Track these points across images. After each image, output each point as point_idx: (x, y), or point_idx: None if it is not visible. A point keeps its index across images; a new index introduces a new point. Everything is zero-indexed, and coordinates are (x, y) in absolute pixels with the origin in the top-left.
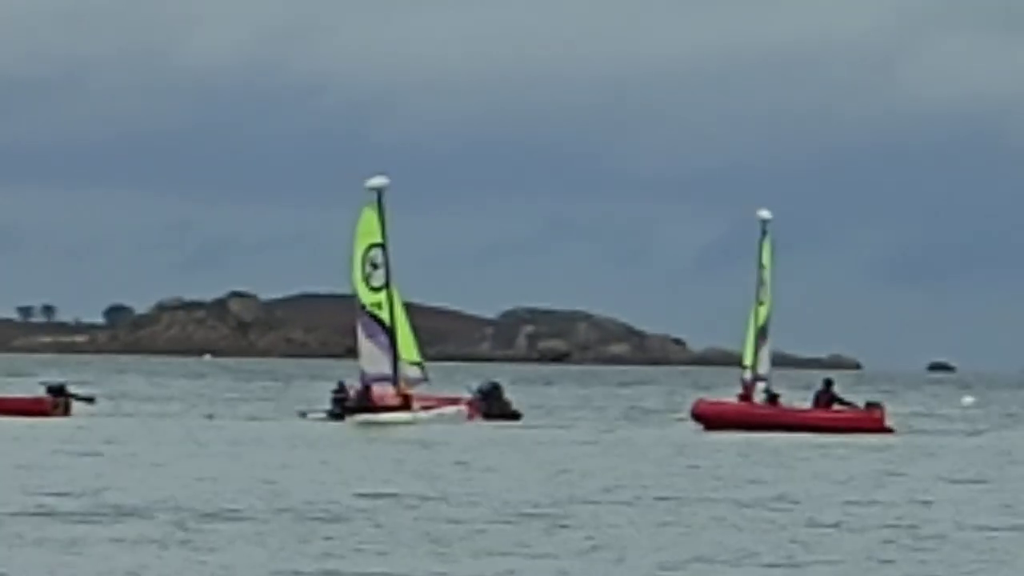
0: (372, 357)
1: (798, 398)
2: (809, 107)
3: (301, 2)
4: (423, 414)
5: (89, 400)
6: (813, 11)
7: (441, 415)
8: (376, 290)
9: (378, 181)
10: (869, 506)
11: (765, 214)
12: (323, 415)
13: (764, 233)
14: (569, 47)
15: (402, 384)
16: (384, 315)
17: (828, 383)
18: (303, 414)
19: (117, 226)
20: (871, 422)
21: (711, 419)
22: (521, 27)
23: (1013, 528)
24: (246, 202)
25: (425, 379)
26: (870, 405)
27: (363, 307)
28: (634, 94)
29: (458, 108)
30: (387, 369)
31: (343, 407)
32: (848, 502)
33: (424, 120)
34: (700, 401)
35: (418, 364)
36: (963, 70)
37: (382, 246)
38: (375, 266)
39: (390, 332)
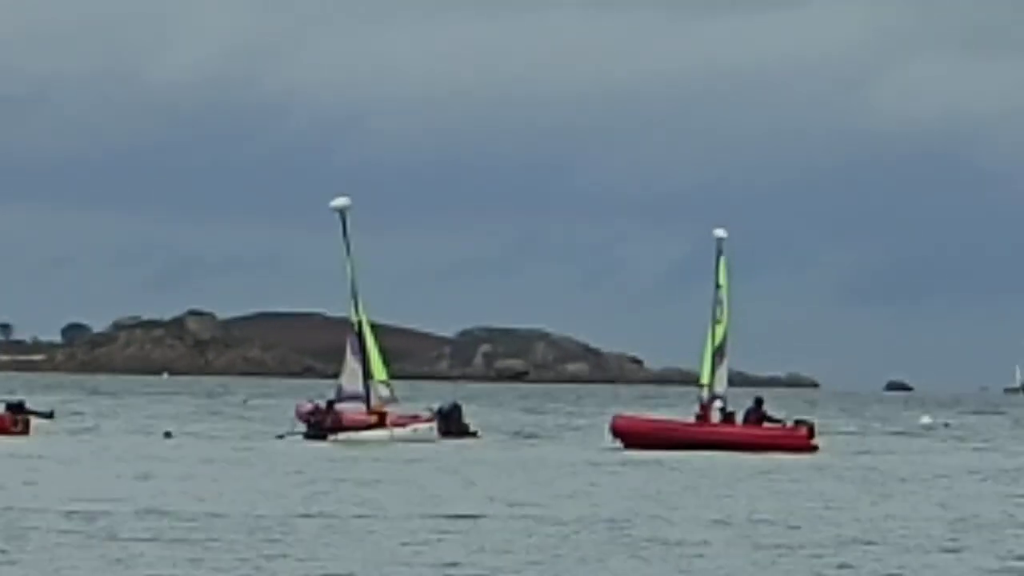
0: (354, 375)
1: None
2: (777, 127)
3: (268, 21)
4: (398, 431)
5: (48, 416)
6: (783, 31)
7: (415, 432)
8: (354, 308)
9: (341, 202)
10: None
11: (720, 233)
12: (299, 436)
13: (720, 252)
14: (536, 66)
15: (377, 402)
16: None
17: (758, 401)
18: (280, 436)
19: (77, 244)
20: (795, 440)
21: (629, 436)
22: (488, 46)
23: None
24: (210, 221)
25: (394, 399)
26: (798, 423)
27: (352, 325)
28: (602, 113)
29: (423, 127)
30: (360, 388)
31: (320, 427)
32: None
33: (389, 139)
34: (618, 417)
35: (386, 383)
36: (932, 90)
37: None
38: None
39: (363, 351)
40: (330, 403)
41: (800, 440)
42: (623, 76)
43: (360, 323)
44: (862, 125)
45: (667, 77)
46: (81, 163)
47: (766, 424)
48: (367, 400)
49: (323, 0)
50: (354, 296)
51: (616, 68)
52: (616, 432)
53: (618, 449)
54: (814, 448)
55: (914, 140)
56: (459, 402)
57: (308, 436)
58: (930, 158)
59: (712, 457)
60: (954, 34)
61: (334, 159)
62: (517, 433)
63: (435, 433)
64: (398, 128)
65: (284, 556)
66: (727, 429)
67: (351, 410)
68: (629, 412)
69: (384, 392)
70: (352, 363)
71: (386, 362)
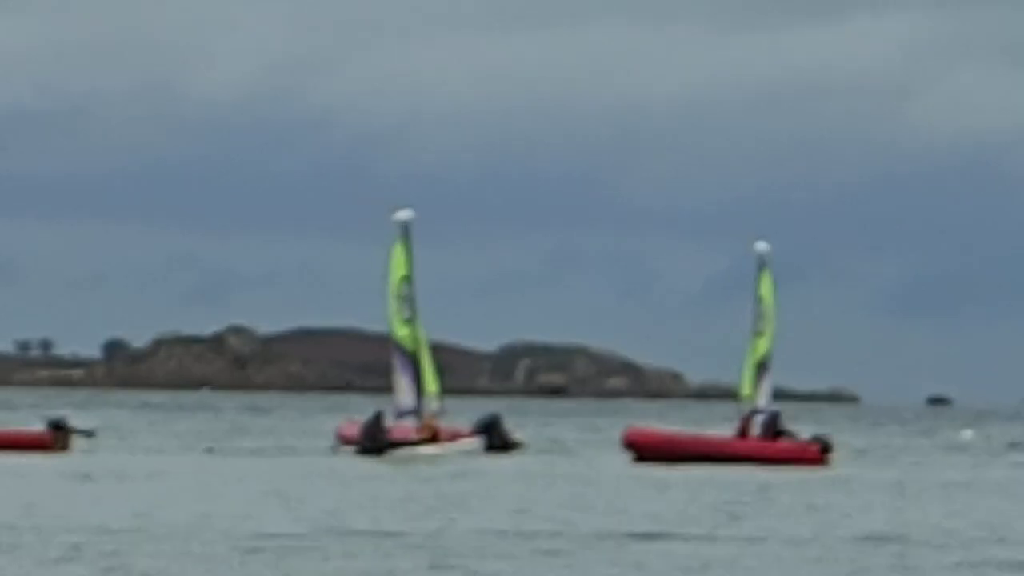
0: (402, 390)
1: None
2: (815, 140)
3: (311, 34)
4: (449, 446)
5: (89, 434)
6: (821, 44)
7: (463, 448)
8: (406, 323)
9: (405, 214)
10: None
11: (763, 247)
12: (353, 450)
13: (762, 266)
14: (574, 80)
15: (428, 417)
16: (412, 348)
17: (774, 415)
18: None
19: (117, 260)
20: (807, 455)
21: (641, 448)
22: (528, 60)
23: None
24: (248, 236)
25: (443, 412)
26: (816, 439)
27: (395, 341)
28: (642, 126)
29: (463, 141)
30: (412, 403)
31: (376, 442)
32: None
33: (430, 153)
34: (631, 429)
35: (438, 398)
36: (971, 103)
37: (408, 279)
38: (403, 299)
39: (416, 365)
40: (378, 417)
41: (812, 455)
42: (661, 90)
43: (415, 338)
44: (901, 138)
45: (706, 90)
46: (120, 178)
47: (783, 439)
48: (419, 414)
49: (364, 14)
50: (412, 310)
51: (654, 82)
52: (628, 445)
53: (625, 463)
54: (826, 463)
55: (954, 152)
56: (498, 413)
57: (362, 452)
58: (969, 170)
59: (714, 472)
60: (994, 46)
61: (374, 173)
62: (554, 443)
63: (482, 449)
64: (438, 142)
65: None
66: (739, 444)
67: (403, 426)
68: (643, 424)
69: (434, 407)
70: (398, 379)
71: (438, 376)
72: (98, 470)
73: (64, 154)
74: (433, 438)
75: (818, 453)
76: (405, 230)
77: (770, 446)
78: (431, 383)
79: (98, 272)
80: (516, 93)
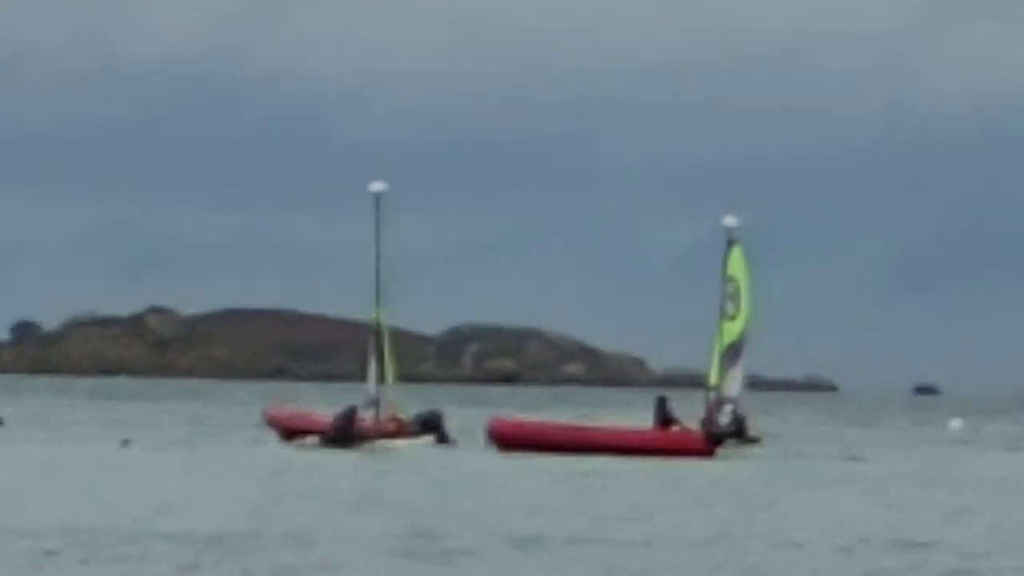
0: (368, 378)
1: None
2: (807, 105)
3: None
4: (407, 442)
5: None
6: (817, 3)
7: (414, 444)
8: (376, 305)
9: (379, 186)
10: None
11: (731, 221)
12: (316, 441)
13: (731, 242)
14: (548, 37)
15: (391, 409)
16: (377, 332)
17: (662, 400)
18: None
19: (35, 231)
20: (688, 444)
21: (505, 439)
22: (496, 17)
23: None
24: (177, 207)
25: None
26: (704, 427)
27: (372, 324)
28: (613, 89)
29: (423, 104)
30: (372, 392)
31: (344, 434)
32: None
33: (386, 117)
34: (494, 419)
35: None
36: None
37: (378, 257)
38: (376, 279)
39: (379, 351)
40: (353, 410)
41: (694, 444)
42: (648, 49)
43: (379, 322)
44: (895, 102)
45: (686, 50)
46: (45, 141)
47: (675, 427)
48: (378, 405)
49: None
50: (377, 292)
51: (640, 41)
52: (491, 435)
53: (487, 454)
54: (710, 453)
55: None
56: (437, 409)
57: (329, 443)
58: (967, 137)
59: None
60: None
61: (323, 139)
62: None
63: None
64: (394, 105)
65: None
66: (610, 433)
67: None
68: (508, 414)
69: (392, 396)
70: (368, 366)
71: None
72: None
73: None
74: (399, 431)
75: (703, 443)
76: (376, 203)
77: (645, 436)
78: (391, 372)
79: (12, 245)
80: (481, 52)
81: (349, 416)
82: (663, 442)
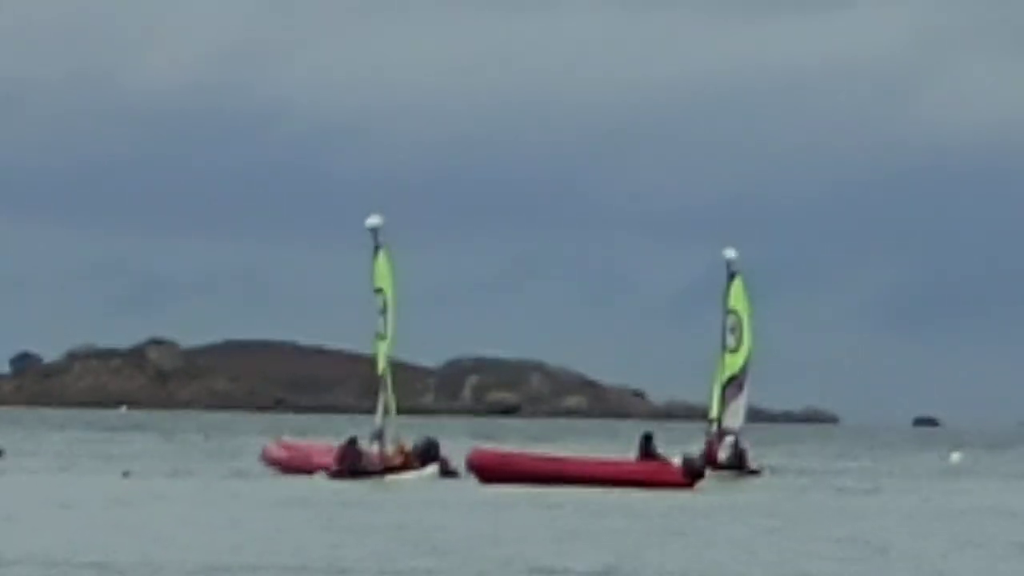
0: (377, 411)
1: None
2: (809, 137)
3: (262, 20)
4: (415, 474)
5: None
6: (817, 33)
7: (420, 476)
8: (380, 338)
9: (375, 220)
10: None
11: (731, 254)
12: (327, 474)
13: (732, 275)
14: (546, 72)
15: (400, 441)
16: (381, 366)
17: (647, 437)
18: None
19: (36, 265)
20: (665, 476)
21: (486, 470)
22: (495, 51)
23: None
24: (177, 240)
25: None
26: (687, 461)
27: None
28: (614, 123)
29: (424, 138)
30: (378, 424)
31: (352, 467)
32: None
33: (386, 152)
34: (475, 450)
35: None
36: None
37: (381, 291)
38: (378, 313)
39: (383, 383)
40: (352, 441)
41: (670, 476)
42: (646, 83)
43: (384, 355)
44: (898, 135)
45: (686, 85)
46: (39, 176)
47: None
48: (381, 438)
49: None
50: (378, 325)
51: (631, 75)
52: (471, 466)
53: (468, 485)
54: (688, 486)
55: (954, 152)
56: (433, 438)
57: (336, 476)
58: (969, 171)
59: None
60: (1007, 38)
61: (323, 173)
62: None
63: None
64: (395, 140)
65: None
66: (591, 465)
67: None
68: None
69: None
70: (381, 399)
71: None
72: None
73: None
74: (405, 464)
75: (680, 476)
76: (375, 237)
77: (623, 468)
78: (392, 405)
79: (12, 277)
80: (481, 88)
81: (356, 450)
82: (641, 474)
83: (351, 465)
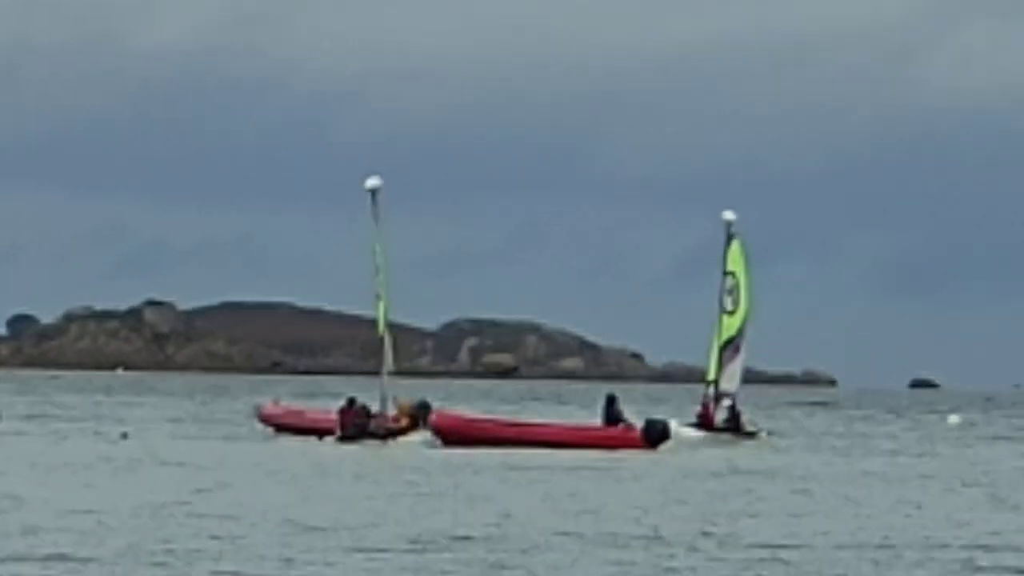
0: (385, 374)
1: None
2: (809, 103)
3: None
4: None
5: None
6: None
7: (426, 440)
8: (379, 298)
9: (373, 182)
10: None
11: (729, 216)
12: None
13: (730, 237)
14: (548, 37)
15: (403, 403)
16: (380, 328)
17: (611, 399)
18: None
19: (37, 230)
20: (623, 439)
21: (448, 434)
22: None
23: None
24: (175, 204)
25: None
26: (649, 423)
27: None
28: (612, 89)
29: (426, 103)
30: (386, 386)
31: (360, 430)
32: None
33: (388, 116)
34: (438, 413)
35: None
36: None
37: (375, 251)
38: (375, 273)
39: (383, 344)
40: (351, 402)
41: (630, 440)
42: (639, 48)
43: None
44: (897, 102)
45: (687, 51)
46: (50, 140)
47: (622, 424)
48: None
49: None
50: (377, 287)
51: (632, 41)
52: (435, 429)
53: (432, 447)
54: (641, 447)
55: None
56: (427, 400)
57: (343, 439)
58: (968, 138)
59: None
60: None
61: (324, 138)
62: None
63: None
64: (397, 104)
65: None
66: (550, 428)
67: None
68: (460, 409)
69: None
70: (385, 361)
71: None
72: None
73: None
74: (412, 425)
75: (637, 439)
76: (372, 198)
77: (584, 432)
78: (391, 366)
79: (11, 241)
80: (482, 53)
81: (363, 412)
82: (601, 438)
83: (360, 428)
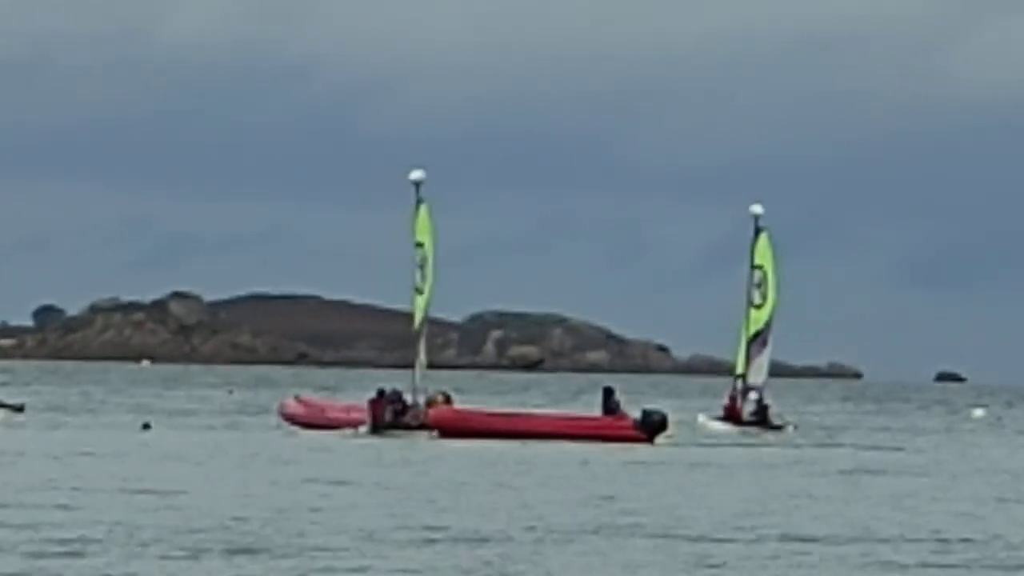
0: (419, 366)
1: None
2: (836, 94)
3: None
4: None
5: (18, 409)
6: None
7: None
8: (418, 292)
9: (418, 174)
10: None
11: (757, 209)
12: (366, 429)
13: (758, 231)
14: (574, 29)
15: (437, 396)
16: (419, 320)
17: (608, 391)
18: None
19: (65, 222)
20: (616, 430)
21: (445, 426)
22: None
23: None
24: (202, 196)
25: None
26: (647, 414)
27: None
28: (639, 81)
29: (446, 97)
30: (419, 378)
31: (395, 420)
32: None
33: (415, 108)
34: (435, 407)
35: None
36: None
37: (421, 244)
38: (417, 267)
39: (419, 338)
40: (381, 394)
41: (623, 431)
42: (665, 40)
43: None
44: (924, 95)
45: (714, 43)
46: (78, 133)
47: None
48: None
49: None
50: (415, 279)
51: (658, 31)
52: (431, 423)
53: (431, 440)
54: (637, 439)
55: (980, 111)
56: (447, 391)
57: (374, 431)
58: (997, 130)
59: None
60: None
61: (351, 131)
62: None
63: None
64: (423, 97)
65: None
66: (545, 420)
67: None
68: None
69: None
70: (420, 353)
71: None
72: (24, 447)
73: (15, 105)
74: None
75: (630, 429)
76: (416, 191)
77: (578, 423)
78: (423, 360)
79: (41, 235)
80: (508, 46)
81: (399, 402)
82: (595, 429)
83: (393, 419)
